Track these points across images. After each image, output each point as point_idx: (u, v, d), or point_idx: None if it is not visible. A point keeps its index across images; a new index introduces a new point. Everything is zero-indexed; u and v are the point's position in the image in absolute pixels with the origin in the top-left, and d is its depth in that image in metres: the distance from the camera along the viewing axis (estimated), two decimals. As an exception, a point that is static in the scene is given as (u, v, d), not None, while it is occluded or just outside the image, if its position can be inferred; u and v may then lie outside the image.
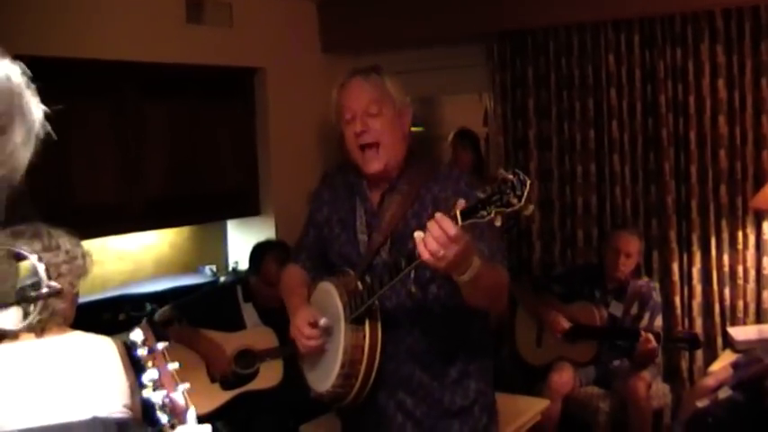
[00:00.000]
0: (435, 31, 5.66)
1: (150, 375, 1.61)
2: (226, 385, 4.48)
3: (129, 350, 1.71)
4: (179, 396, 1.55)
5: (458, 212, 2.05)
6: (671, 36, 5.00)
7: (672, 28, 4.99)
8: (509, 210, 1.94)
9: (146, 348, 1.68)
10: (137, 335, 1.70)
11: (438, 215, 2.08)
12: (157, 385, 1.59)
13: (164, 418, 1.54)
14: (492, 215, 1.97)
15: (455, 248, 2.09)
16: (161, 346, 1.69)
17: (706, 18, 4.87)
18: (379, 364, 2.52)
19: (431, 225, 2.09)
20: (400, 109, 2.62)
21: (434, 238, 2.08)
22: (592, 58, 5.28)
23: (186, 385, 1.58)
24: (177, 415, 1.52)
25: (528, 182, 1.93)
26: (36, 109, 1.08)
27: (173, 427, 1.51)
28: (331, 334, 2.61)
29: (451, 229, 2.06)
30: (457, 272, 2.21)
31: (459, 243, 2.09)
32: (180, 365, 4.34)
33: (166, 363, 1.64)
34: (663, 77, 5.05)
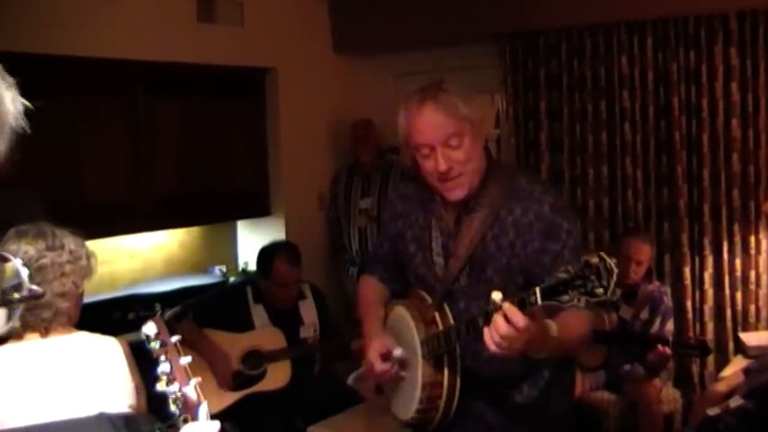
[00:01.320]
0: (447, 32, 5.64)
1: (163, 368, 1.60)
2: (233, 386, 4.46)
3: (141, 343, 1.70)
4: (191, 390, 1.54)
5: (537, 297, 1.98)
6: (684, 38, 4.97)
7: (685, 30, 4.95)
8: (593, 299, 1.87)
9: (159, 342, 1.67)
10: (150, 328, 1.69)
11: (507, 307, 2.01)
12: (170, 379, 1.58)
13: (176, 411, 1.53)
14: (574, 301, 1.90)
15: (525, 337, 2.04)
16: (174, 339, 1.68)
17: (720, 20, 4.84)
18: (458, 400, 2.44)
19: (497, 319, 2.02)
20: (477, 125, 2.43)
21: (500, 333, 2.02)
22: (604, 60, 5.24)
23: (198, 379, 1.57)
24: (189, 409, 1.51)
25: (615, 271, 1.84)
26: (11, 102, 1.06)
27: (185, 421, 1.50)
28: (409, 363, 2.51)
29: (521, 321, 2.00)
30: (530, 353, 2.16)
31: (529, 332, 2.03)
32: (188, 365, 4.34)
33: (179, 356, 1.63)
34: (676, 80, 5.01)
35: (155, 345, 1.68)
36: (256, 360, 4.52)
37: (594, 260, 1.85)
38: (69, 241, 2.47)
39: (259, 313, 4.69)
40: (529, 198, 2.44)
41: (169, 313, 4.60)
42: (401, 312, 2.58)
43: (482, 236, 2.44)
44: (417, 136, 2.41)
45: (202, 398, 1.55)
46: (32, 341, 2.42)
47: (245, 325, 4.62)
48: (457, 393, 2.42)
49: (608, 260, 1.84)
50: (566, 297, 1.89)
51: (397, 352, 2.50)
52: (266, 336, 4.60)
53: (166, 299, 5.03)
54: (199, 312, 4.54)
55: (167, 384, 1.59)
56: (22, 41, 4.20)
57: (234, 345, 4.50)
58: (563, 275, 1.89)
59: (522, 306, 2.00)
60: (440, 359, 2.40)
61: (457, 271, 2.48)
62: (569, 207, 2.56)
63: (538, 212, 2.41)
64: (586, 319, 2.38)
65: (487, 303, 2.07)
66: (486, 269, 2.42)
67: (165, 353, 1.64)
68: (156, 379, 1.64)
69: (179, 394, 1.56)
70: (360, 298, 2.86)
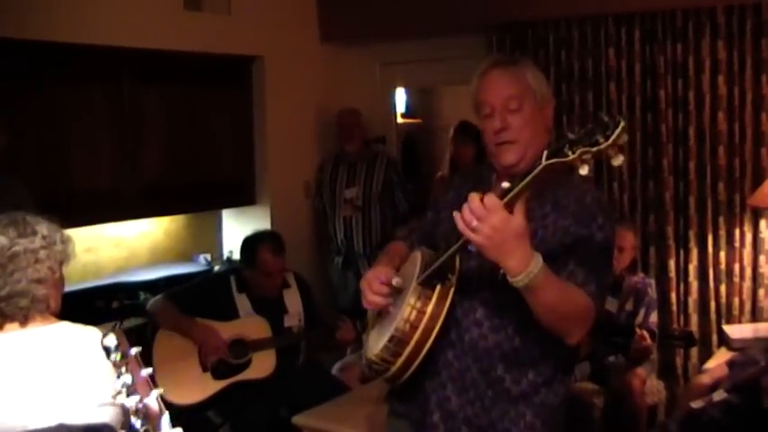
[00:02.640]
0: (435, 22, 5.63)
1: (125, 380, 1.58)
2: (218, 374, 4.46)
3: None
4: (153, 401, 1.52)
5: (543, 157, 1.90)
6: (672, 31, 4.98)
7: (673, 23, 4.96)
8: (594, 149, 1.80)
9: (119, 353, 1.65)
10: (110, 340, 1.67)
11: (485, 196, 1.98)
12: (131, 390, 1.55)
13: (138, 423, 1.51)
14: (576, 155, 1.83)
15: (491, 220, 1.97)
16: (134, 351, 1.65)
17: (708, 14, 4.85)
18: (433, 342, 2.29)
19: (472, 195, 2.00)
20: (542, 103, 2.43)
21: (471, 208, 2.00)
22: (592, 52, 5.25)
23: (160, 390, 1.55)
24: (151, 420, 1.49)
25: (621, 124, 1.79)
26: None
27: None
28: (400, 297, 2.39)
29: (489, 198, 1.97)
30: (505, 263, 2.06)
31: (496, 214, 1.97)
32: (172, 354, 4.33)
33: (140, 368, 1.61)
34: (663, 72, 5.03)
35: (116, 357, 1.66)
36: (241, 349, 4.50)
37: (605, 117, 1.82)
38: (42, 227, 2.43)
39: (243, 302, 4.66)
40: (576, 186, 2.42)
41: (151, 302, 4.60)
42: (414, 254, 2.51)
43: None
44: (481, 94, 2.44)
45: (164, 409, 1.53)
46: (11, 332, 2.39)
47: (229, 314, 4.60)
48: (429, 343, 2.28)
49: (618, 117, 1.80)
50: (569, 152, 1.84)
51: (396, 280, 2.40)
52: (251, 325, 4.58)
53: (151, 287, 5.03)
54: (183, 301, 4.53)
55: (128, 396, 1.57)
56: (6, 27, 4.18)
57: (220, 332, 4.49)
58: (571, 135, 1.85)
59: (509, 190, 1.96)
60: (431, 288, 2.29)
61: None
62: (611, 210, 2.53)
63: (579, 199, 2.38)
64: (587, 303, 2.28)
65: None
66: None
67: (126, 365, 1.63)
68: (118, 392, 1.61)
69: (140, 406, 1.54)
70: (382, 253, 2.80)
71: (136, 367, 1.61)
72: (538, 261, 2.07)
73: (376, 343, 2.39)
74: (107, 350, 1.65)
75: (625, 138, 1.81)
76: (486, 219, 1.98)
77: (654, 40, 5.05)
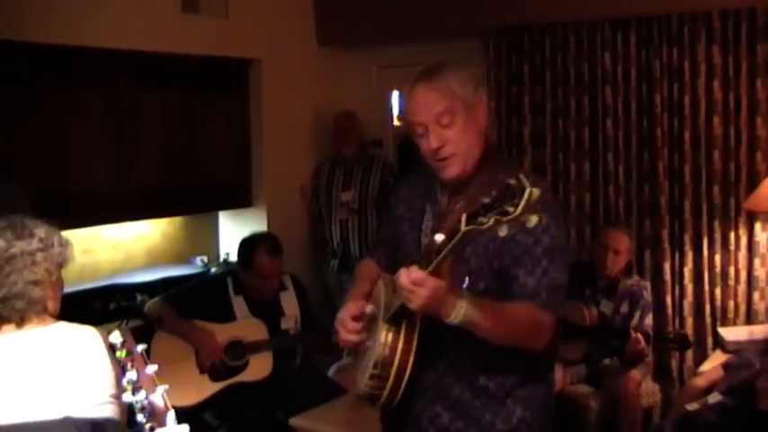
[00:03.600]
0: (432, 26, 5.65)
1: (130, 377, 1.59)
2: (215, 376, 4.46)
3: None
4: (158, 398, 1.53)
5: (462, 223, 1.96)
6: (668, 36, 5.00)
7: (669, 28, 4.98)
8: (505, 219, 1.85)
9: (125, 350, 1.66)
10: (115, 337, 1.68)
11: (404, 268, 2.11)
12: (137, 387, 1.56)
13: (142, 420, 1.52)
14: (491, 223, 1.88)
15: (422, 292, 2.10)
16: (140, 348, 1.66)
17: (703, 19, 4.86)
18: (411, 370, 2.37)
19: (401, 270, 2.11)
20: (472, 108, 2.44)
21: (403, 282, 2.11)
22: (588, 56, 5.26)
23: (166, 387, 1.56)
24: (156, 417, 1.50)
25: (527, 189, 1.83)
26: None
27: (152, 429, 1.48)
28: (375, 333, 2.47)
29: (413, 272, 2.08)
30: (437, 314, 2.20)
31: (425, 287, 2.09)
32: (169, 356, 4.34)
33: (145, 365, 1.62)
34: (658, 77, 5.04)
35: (121, 354, 1.67)
36: (238, 351, 4.51)
37: (512, 182, 1.85)
38: (40, 230, 2.44)
39: (240, 304, 4.68)
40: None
41: (148, 304, 4.60)
42: (379, 284, 2.58)
43: None
44: (411, 115, 2.45)
45: (170, 405, 1.54)
46: (8, 334, 2.40)
47: (225, 316, 4.61)
48: (410, 363, 2.36)
49: (523, 180, 1.84)
50: (483, 220, 1.89)
51: (368, 308, 2.50)
52: (248, 327, 4.59)
53: (148, 289, 5.03)
54: (179, 303, 4.54)
55: (134, 393, 1.58)
56: (4, 29, 4.18)
57: (215, 335, 4.50)
58: (485, 200, 1.90)
59: (456, 233, 2.00)
60: (399, 324, 2.36)
61: None
62: (557, 206, 2.53)
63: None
64: (538, 315, 2.35)
65: (461, 279, 2.15)
66: (465, 250, 2.40)
67: (132, 361, 1.64)
68: (123, 389, 1.62)
69: (146, 403, 1.55)
70: (353, 278, 2.89)
71: (141, 364, 1.62)
72: (462, 303, 2.18)
73: (362, 376, 2.46)
74: (112, 347, 1.67)
75: (535, 196, 1.84)
76: (416, 292, 2.10)
77: (649, 45, 5.06)
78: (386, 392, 2.39)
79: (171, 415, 1.49)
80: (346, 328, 2.52)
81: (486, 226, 1.89)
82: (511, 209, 1.84)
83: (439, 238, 2.04)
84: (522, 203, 1.83)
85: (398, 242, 2.70)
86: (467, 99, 2.42)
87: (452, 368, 2.51)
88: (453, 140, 2.41)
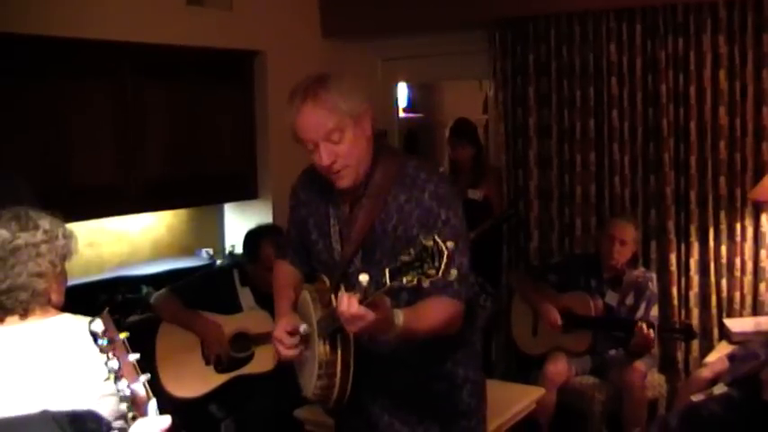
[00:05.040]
0: (437, 17, 5.63)
1: (111, 366, 1.58)
2: (220, 368, 4.47)
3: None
4: (140, 387, 1.52)
5: (387, 278, 2.05)
6: (673, 26, 4.98)
7: (674, 17, 4.96)
8: (430, 279, 1.95)
9: (106, 339, 1.66)
10: (97, 325, 1.67)
11: (345, 297, 2.16)
12: (118, 376, 1.56)
13: (125, 408, 1.51)
14: (415, 282, 1.97)
15: (360, 324, 2.18)
16: (122, 336, 1.66)
17: (709, 8, 4.85)
18: (354, 375, 2.52)
19: (339, 299, 2.18)
20: (358, 118, 2.51)
21: (340, 312, 2.18)
22: (593, 47, 5.25)
23: (147, 376, 1.55)
24: (138, 406, 1.49)
25: (446, 253, 1.92)
26: None
27: (134, 418, 1.48)
28: (310, 344, 2.62)
29: (352, 307, 2.14)
30: (375, 336, 2.34)
31: (363, 320, 2.17)
32: (175, 348, 4.34)
33: (127, 353, 1.61)
34: (664, 67, 5.03)
35: (102, 342, 1.67)
36: (244, 343, 4.52)
37: (429, 243, 1.93)
38: (45, 222, 2.44)
39: (246, 296, 4.67)
40: (412, 185, 2.57)
41: (154, 296, 4.61)
42: (304, 296, 2.70)
43: (371, 221, 2.58)
44: (300, 133, 2.52)
45: (151, 394, 1.54)
46: (11, 325, 2.40)
47: (232, 307, 4.61)
48: (351, 371, 2.51)
49: (441, 243, 1.92)
50: (408, 277, 1.97)
51: (302, 328, 2.60)
52: (254, 318, 4.59)
53: (153, 281, 5.04)
54: (185, 295, 4.54)
55: (115, 382, 1.57)
56: (8, 22, 4.18)
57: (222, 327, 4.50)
58: (405, 258, 1.97)
59: (378, 287, 2.10)
60: (334, 338, 2.49)
61: (350, 255, 2.63)
62: (452, 195, 2.62)
63: (419, 199, 2.54)
64: (445, 306, 2.49)
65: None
66: (376, 252, 2.56)
67: (113, 350, 1.63)
68: (107, 378, 1.62)
69: (128, 392, 1.54)
70: (273, 282, 2.99)
71: (123, 353, 1.61)
72: (396, 327, 2.30)
73: (308, 384, 2.64)
74: (94, 335, 1.66)
75: (452, 250, 1.95)
76: (354, 322, 2.20)
77: (655, 35, 5.05)
78: (334, 397, 2.55)
79: (153, 404, 1.49)
80: (284, 344, 2.64)
81: (410, 285, 1.99)
82: (432, 271, 1.93)
83: (364, 278, 2.13)
84: (443, 267, 1.92)
85: (307, 246, 2.82)
86: (353, 112, 2.50)
87: (390, 361, 2.64)
88: (344, 154, 2.50)
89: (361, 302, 2.15)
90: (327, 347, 2.50)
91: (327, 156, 2.48)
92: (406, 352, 2.60)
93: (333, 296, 2.51)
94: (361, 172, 2.56)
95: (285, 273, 2.94)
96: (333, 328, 2.44)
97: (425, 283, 1.96)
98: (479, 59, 5.75)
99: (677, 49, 4.98)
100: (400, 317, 2.30)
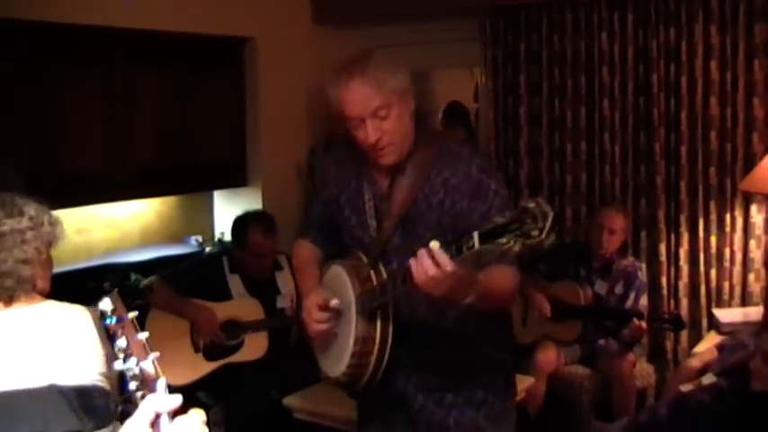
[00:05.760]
0: (428, 5, 5.61)
1: (120, 344, 1.57)
2: (210, 355, 4.46)
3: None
4: (149, 365, 1.51)
5: (475, 241, 1.98)
6: (665, 15, 4.97)
7: (666, 7, 4.96)
8: (529, 241, 1.87)
9: (115, 318, 1.65)
10: (106, 304, 1.67)
11: (436, 250, 2.07)
12: (127, 354, 1.55)
13: (134, 386, 1.50)
14: (511, 243, 1.90)
15: (450, 282, 2.11)
16: (131, 315, 1.65)
17: (701, -2, 4.85)
18: (389, 354, 2.48)
19: (424, 260, 2.09)
20: (403, 95, 2.52)
21: (424, 270, 2.10)
22: (585, 36, 5.24)
23: (157, 354, 1.54)
24: (147, 384, 1.49)
25: (550, 215, 1.86)
26: None
27: (143, 396, 1.47)
28: (342, 319, 2.57)
29: (448, 265, 2.07)
30: (454, 300, 2.26)
31: (455, 278, 2.09)
32: (164, 335, 4.33)
33: (136, 332, 1.60)
34: (655, 57, 5.02)
35: (111, 321, 1.66)
36: (234, 330, 4.51)
37: (531, 205, 1.87)
38: (30, 208, 2.43)
39: (236, 283, 4.67)
40: (458, 160, 2.56)
41: (143, 283, 4.59)
42: (338, 270, 2.65)
43: (413, 196, 2.56)
44: (347, 109, 2.49)
45: (161, 372, 1.52)
46: None
47: (222, 295, 4.61)
48: (388, 349, 2.47)
49: (543, 204, 1.87)
50: (503, 240, 1.90)
51: (334, 302, 2.56)
52: (244, 306, 4.59)
53: (142, 268, 5.02)
54: (175, 282, 4.53)
55: (124, 360, 1.56)
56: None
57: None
58: (500, 220, 1.92)
59: (459, 252, 2.04)
60: (374, 314, 2.46)
61: (390, 231, 2.59)
62: (494, 169, 2.67)
63: (467, 173, 2.52)
64: (511, 274, 2.47)
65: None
66: (418, 228, 2.54)
67: (122, 328, 1.62)
68: (115, 356, 1.61)
69: (137, 370, 1.53)
70: (295, 259, 2.99)
71: (132, 331, 1.60)
72: (477, 286, 2.26)
73: (336, 363, 2.57)
74: (102, 314, 1.65)
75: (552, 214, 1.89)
76: (445, 281, 2.11)
77: (647, 25, 5.04)
78: (366, 377, 2.51)
79: (162, 382, 1.48)
80: (314, 318, 2.59)
81: (506, 246, 1.90)
82: (535, 233, 1.85)
83: (435, 244, 2.08)
84: (548, 227, 1.85)
85: (339, 224, 2.77)
86: (399, 88, 2.50)
87: (426, 340, 2.61)
88: (390, 131, 2.49)
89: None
90: (366, 324, 2.46)
91: (374, 132, 2.46)
92: (444, 329, 2.59)
93: (371, 272, 2.51)
94: (405, 148, 2.55)
95: (307, 250, 2.90)
96: (376, 303, 2.42)
97: (516, 247, 1.89)
98: (471, 47, 5.73)
99: (669, 38, 4.97)
100: (478, 275, 2.27)
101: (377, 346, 2.46)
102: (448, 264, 2.06)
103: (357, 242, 2.69)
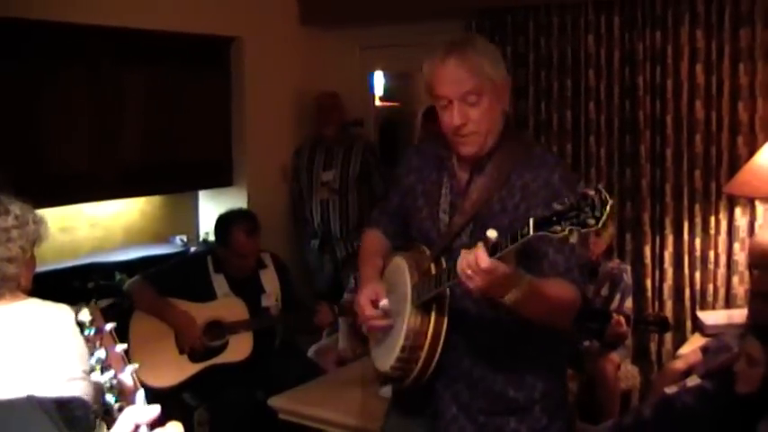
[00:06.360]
0: (415, 6, 5.62)
1: (98, 356, 1.56)
2: (194, 357, 4.44)
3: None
4: (127, 377, 1.50)
5: (530, 228, 1.92)
6: (651, 19, 4.99)
7: (653, 11, 4.98)
8: (584, 230, 1.83)
9: (93, 329, 1.63)
10: (84, 315, 1.65)
11: (478, 248, 2.03)
12: (105, 366, 1.54)
13: (112, 399, 1.49)
14: (566, 232, 1.85)
15: (486, 278, 2.05)
16: (109, 326, 1.64)
17: (687, 2, 4.86)
18: (440, 354, 2.40)
19: (466, 255, 2.05)
20: (498, 87, 2.42)
21: (467, 264, 2.05)
22: (571, 39, 5.26)
23: (135, 366, 1.53)
24: (126, 396, 1.47)
25: (609, 202, 1.80)
26: None
27: (121, 409, 1.46)
28: (397, 313, 2.49)
29: (483, 261, 2.01)
30: (495, 297, 2.17)
31: (491, 274, 2.04)
32: (148, 336, 4.32)
33: (114, 343, 1.58)
34: (642, 60, 5.04)
35: (90, 332, 1.65)
36: (218, 331, 4.49)
37: (591, 192, 1.82)
38: (15, 207, 2.43)
39: (220, 282, 4.65)
40: (541, 165, 2.44)
41: (128, 283, 4.58)
42: (398, 262, 2.58)
43: (489, 196, 2.45)
44: (438, 86, 2.41)
45: (139, 384, 1.52)
46: None
47: (206, 294, 4.59)
48: (440, 345, 2.39)
49: (603, 192, 1.81)
50: (558, 228, 1.85)
51: (384, 302, 2.50)
52: (228, 307, 4.57)
53: (127, 268, 5.01)
54: (159, 282, 4.51)
55: (102, 372, 1.55)
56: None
57: (195, 315, 4.47)
58: (558, 207, 1.87)
59: (514, 240, 1.98)
60: (428, 308, 2.38)
61: (459, 227, 2.49)
62: (576, 182, 2.56)
63: (547, 180, 2.41)
64: (572, 293, 2.36)
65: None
66: (488, 228, 2.35)
67: (100, 339, 1.61)
68: (92, 368, 1.60)
69: (115, 382, 1.52)
70: (361, 249, 2.88)
71: (110, 342, 1.58)
72: (522, 282, 2.15)
73: (386, 357, 2.49)
74: (81, 325, 1.64)
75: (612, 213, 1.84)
76: (481, 276, 2.05)
77: (633, 28, 5.06)
78: (414, 374, 2.42)
79: (141, 394, 1.47)
80: (367, 315, 2.54)
81: (560, 234, 1.86)
82: (592, 221, 1.81)
83: (492, 234, 2.02)
84: (604, 218, 1.80)
85: (409, 214, 2.69)
86: (495, 79, 2.40)
87: (475, 348, 2.51)
88: (476, 119, 2.40)
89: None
90: (419, 317, 2.38)
91: (459, 116, 2.38)
92: (487, 344, 2.50)
93: (432, 265, 2.44)
94: (487, 142, 2.45)
95: (375, 240, 2.84)
96: (430, 295, 2.34)
97: (573, 238, 1.86)
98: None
99: (655, 42, 4.99)
100: (524, 278, 2.17)
101: (428, 341, 2.37)
102: (484, 260, 2.01)
103: (423, 236, 2.60)
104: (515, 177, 2.44)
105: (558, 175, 2.42)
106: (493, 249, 2.02)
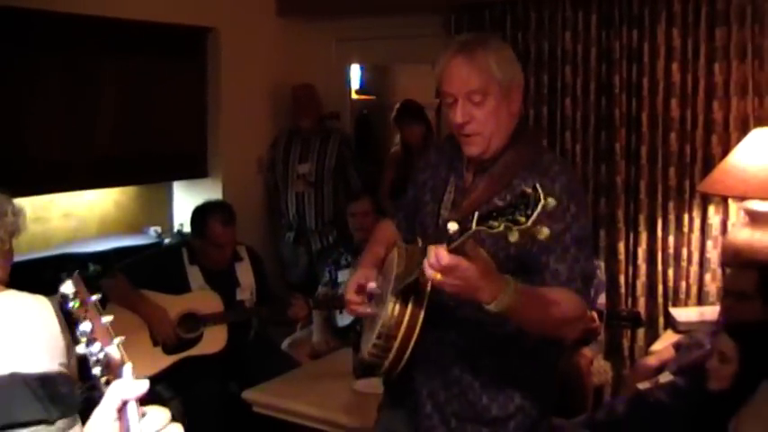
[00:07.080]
0: (392, 0, 5.61)
1: (84, 328, 1.53)
2: (168, 349, 4.43)
3: (60, 304, 1.63)
4: (114, 350, 1.47)
5: (473, 222, 1.89)
6: (628, 17, 5.01)
7: (630, 9, 5.00)
8: (516, 227, 1.80)
9: (78, 301, 1.60)
10: (67, 287, 1.62)
11: (432, 248, 1.99)
12: (91, 339, 1.51)
13: (98, 372, 1.46)
14: (501, 228, 1.82)
15: (450, 274, 2.00)
16: (94, 298, 1.61)
17: (664, 1, 4.88)
18: (414, 345, 2.34)
19: (430, 246, 2.01)
20: (508, 90, 2.40)
21: (429, 264, 2.00)
22: (548, 35, 5.27)
23: (122, 338, 1.50)
24: (112, 369, 1.45)
25: (542, 202, 1.78)
26: None
27: (108, 382, 1.43)
28: (382, 301, 2.46)
29: (444, 257, 1.97)
30: (476, 299, 2.11)
31: (454, 271, 1.99)
32: (122, 328, 4.28)
33: (100, 316, 1.55)
34: (618, 58, 5.06)
35: (74, 304, 1.62)
36: (193, 323, 4.47)
37: (528, 191, 1.81)
38: None
39: (195, 274, 4.63)
40: (544, 173, 2.40)
41: (102, 281, 4.54)
42: (395, 253, 2.56)
43: (488, 197, 2.41)
44: (444, 83, 2.41)
45: (126, 358, 1.49)
46: None
47: (181, 286, 4.56)
48: (414, 337, 2.34)
49: (539, 191, 1.79)
50: (495, 223, 1.83)
51: (371, 285, 2.51)
52: (202, 298, 4.55)
53: (100, 259, 4.98)
54: (133, 273, 4.48)
55: (88, 345, 1.52)
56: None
57: (170, 307, 4.44)
58: (499, 203, 1.89)
59: (462, 232, 1.94)
60: (407, 298, 2.34)
61: None
62: (581, 193, 2.51)
63: (548, 189, 2.38)
64: (575, 303, 2.32)
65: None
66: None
67: (85, 312, 1.58)
68: (77, 340, 1.57)
69: (101, 355, 1.50)
70: (370, 238, 2.89)
71: (95, 315, 1.55)
72: (508, 287, 2.10)
73: (367, 342, 2.47)
74: (64, 298, 1.61)
75: (551, 205, 1.80)
76: (447, 275, 2.01)
77: (610, 26, 5.08)
78: (387, 363, 2.38)
79: (128, 367, 1.44)
80: (348, 299, 2.56)
81: (494, 230, 1.84)
82: (522, 218, 1.79)
83: (452, 227, 1.96)
84: (534, 216, 1.78)
85: (418, 208, 2.69)
86: (504, 80, 2.38)
87: (455, 347, 2.50)
88: (479, 120, 2.38)
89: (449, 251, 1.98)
90: (396, 306, 2.33)
91: (462, 114, 2.37)
92: (471, 345, 2.46)
93: (421, 257, 2.39)
94: (492, 145, 2.42)
95: (384, 230, 2.85)
96: (407, 282, 2.29)
97: (512, 237, 1.81)
98: (435, 43, 5.69)
99: (632, 40, 5.02)
100: (513, 282, 2.11)
101: (402, 332, 2.33)
102: (443, 257, 1.96)
103: (423, 230, 2.59)
104: (518, 181, 2.40)
105: (560, 185, 2.38)
106: (448, 242, 1.98)
